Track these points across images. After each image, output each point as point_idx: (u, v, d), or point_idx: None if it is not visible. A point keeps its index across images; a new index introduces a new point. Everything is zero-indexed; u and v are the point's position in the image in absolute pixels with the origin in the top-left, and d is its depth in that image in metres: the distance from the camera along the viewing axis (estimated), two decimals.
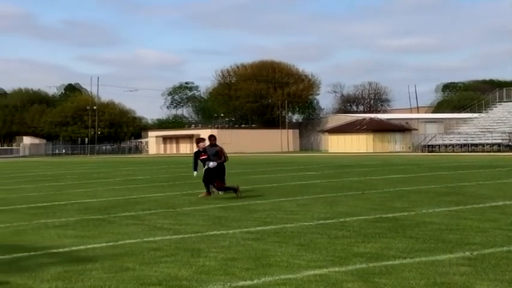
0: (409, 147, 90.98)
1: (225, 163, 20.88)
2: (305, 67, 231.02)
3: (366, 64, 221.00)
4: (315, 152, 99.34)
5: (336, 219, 14.13)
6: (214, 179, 20.20)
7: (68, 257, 10.38)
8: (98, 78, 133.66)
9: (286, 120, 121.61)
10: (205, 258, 9.86)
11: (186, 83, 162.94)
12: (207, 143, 20.98)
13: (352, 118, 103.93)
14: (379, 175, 30.90)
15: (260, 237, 11.84)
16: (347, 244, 10.91)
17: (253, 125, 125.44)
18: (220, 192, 20.64)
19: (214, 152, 20.46)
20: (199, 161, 21.51)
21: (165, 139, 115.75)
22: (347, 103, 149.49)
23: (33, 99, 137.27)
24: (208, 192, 20.49)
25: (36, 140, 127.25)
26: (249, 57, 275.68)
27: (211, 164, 20.22)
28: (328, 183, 26.16)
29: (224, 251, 10.51)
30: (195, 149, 22.09)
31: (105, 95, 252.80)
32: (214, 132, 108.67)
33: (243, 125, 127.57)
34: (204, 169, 20.83)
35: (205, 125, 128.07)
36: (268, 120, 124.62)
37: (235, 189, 20.15)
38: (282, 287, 8.01)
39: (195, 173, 21.80)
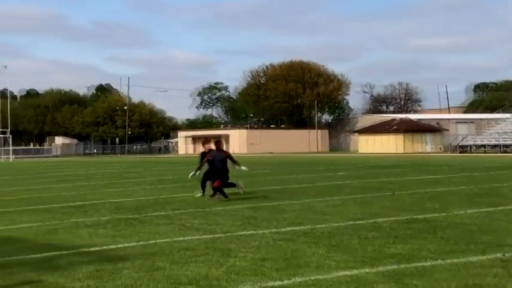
0: (440, 148, 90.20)
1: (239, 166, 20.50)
2: (335, 67, 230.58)
3: (396, 64, 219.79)
4: (344, 152, 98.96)
5: (366, 220, 14.06)
6: (216, 178, 19.66)
7: (100, 256, 10.45)
8: (129, 78, 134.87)
9: (316, 120, 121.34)
10: (235, 258, 9.87)
11: (216, 83, 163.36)
12: (213, 145, 20.62)
13: (383, 118, 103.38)
14: (409, 176, 30.68)
15: (290, 237, 11.82)
16: (378, 245, 10.84)
17: (283, 126, 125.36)
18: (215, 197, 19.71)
19: (221, 158, 19.93)
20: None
21: (195, 139, 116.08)
22: (377, 103, 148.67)
23: (65, 100, 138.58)
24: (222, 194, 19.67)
25: (68, 140, 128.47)
26: (278, 57, 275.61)
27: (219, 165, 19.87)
28: (359, 183, 26.04)
29: (254, 251, 10.50)
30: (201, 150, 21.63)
31: (136, 95, 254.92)
32: (243, 132, 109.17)
33: (272, 126, 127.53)
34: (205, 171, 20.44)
35: (234, 125, 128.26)
36: (298, 120, 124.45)
37: (224, 194, 19.62)
38: (314, 287, 7.98)
39: (192, 174, 20.91)
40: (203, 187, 20.57)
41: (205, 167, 20.55)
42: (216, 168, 19.71)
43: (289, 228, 12.99)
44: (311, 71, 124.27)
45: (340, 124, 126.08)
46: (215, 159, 19.81)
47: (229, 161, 20.15)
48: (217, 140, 20.88)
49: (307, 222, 13.87)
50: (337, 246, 10.77)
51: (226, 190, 19.84)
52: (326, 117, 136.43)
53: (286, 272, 8.84)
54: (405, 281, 8.17)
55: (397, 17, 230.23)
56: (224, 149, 21.10)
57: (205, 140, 21.31)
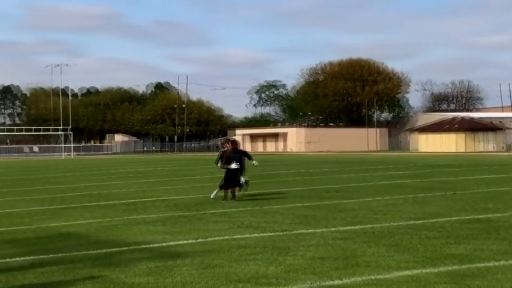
0: (503, 147, 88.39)
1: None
2: (394, 65, 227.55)
3: (456, 62, 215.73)
4: (403, 151, 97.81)
5: (426, 220, 13.91)
6: (235, 179, 19.59)
7: (158, 252, 10.60)
8: (187, 76, 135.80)
9: (375, 118, 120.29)
10: (293, 257, 9.87)
11: (273, 81, 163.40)
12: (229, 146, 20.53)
13: (443, 117, 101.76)
14: (470, 175, 30.19)
15: (349, 236, 11.77)
16: (438, 245, 10.71)
17: (341, 124, 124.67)
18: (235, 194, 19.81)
19: (237, 157, 19.93)
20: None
21: (252, 137, 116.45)
22: (437, 101, 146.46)
23: (124, 98, 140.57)
24: (225, 190, 19.65)
25: (127, 138, 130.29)
26: (336, 55, 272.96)
27: (234, 165, 19.71)
28: (418, 183, 25.75)
29: (312, 249, 10.49)
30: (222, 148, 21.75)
31: (194, 93, 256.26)
32: (301, 130, 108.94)
33: (330, 124, 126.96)
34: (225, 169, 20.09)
35: (291, 123, 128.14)
36: (356, 118, 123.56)
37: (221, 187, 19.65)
38: (373, 287, 7.93)
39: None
40: (221, 187, 19.80)
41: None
42: (231, 169, 19.65)
43: (347, 227, 12.94)
44: (369, 69, 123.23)
45: (399, 122, 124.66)
46: (232, 158, 19.80)
47: (246, 159, 20.38)
48: (233, 140, 21.03)
49: (366, 222, 13.79)
50: (397, 246, 10.68)
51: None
52: (385, 116, 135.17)
53: (345, 271, 8.81)
54: (467, 282, 8.05)
55: (457, 14, 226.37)
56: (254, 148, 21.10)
57: (227, 140, 21.66)
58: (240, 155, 20.19)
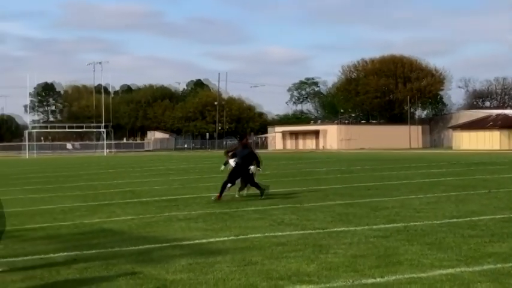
0: None
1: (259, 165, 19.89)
2: (432, 62, 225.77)
3: (496, 59, 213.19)
4: (443, 148, 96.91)
5: (464, 218, 13.78)
6: (238, 177, 19.32)
7: (196, 249, 10.66)
8: (227, 74, 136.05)
9: (414, 116, 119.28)
10: (331, 255, 9.86)
11: (308, 78, 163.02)
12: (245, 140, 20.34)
13: (484, 114, 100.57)
14: (507, 173, 29.83)
15: (384, 235, 11.71)
16: (474, 243, 10.61)
17: (380, 121, 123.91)
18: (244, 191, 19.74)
19: (244, 153, 19.46)
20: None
21: (289, 134, 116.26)
22: (477, 99, 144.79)
23: (159, 95, 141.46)
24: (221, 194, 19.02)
25: (161, 135, 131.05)
26: (374, 52, 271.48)
27: (232, 162, 19.45)
28: (457, 181, 25.51)
29: (350, 247, 10.47)
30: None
31: (232, 90, 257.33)
32: (340, 128, 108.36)
33: (365, 121, 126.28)
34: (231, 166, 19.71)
35: (329, 120, 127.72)
36: (394, 116, 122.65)
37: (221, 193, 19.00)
38: (410, 285, 7.89)
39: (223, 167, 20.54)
40: (222, 189, 19.20)
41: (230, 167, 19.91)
42: (238, 163, 19.42)
43: (382, 226, 12.88)
44: (407, 66, 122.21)
45: (436, 120, 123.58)
46: (239, 155, 19.55)
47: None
48: (242, 136, 20.68)
49: (402, 220, 13.71)
50: (432, 244, 10.61)
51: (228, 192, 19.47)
52: (424, 113, 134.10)
53: (380, 269, 8.77)
54: (503, 281, 7.97)
55: (498, 10, 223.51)
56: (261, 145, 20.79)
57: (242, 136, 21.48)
58: (248, 153, 19.55)
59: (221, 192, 18.89)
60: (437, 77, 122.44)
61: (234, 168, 19.38)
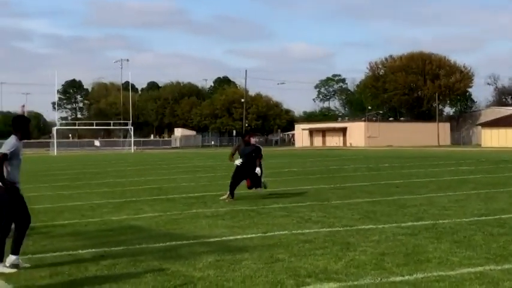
0: None
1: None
2: (458, 59, 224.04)
3: None
4: (471, 146, 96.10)
5: (491, 216, 13.68)
6: (244, 177, 18.70)
7: (220, 246, 10.69)
8: (246, 71, 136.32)
9: (442, 113, 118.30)
10: (356, 252, 9.85)
11: (337, 75, 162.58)
12: (253, 139, 19.41)
13: (509, 111, 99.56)
14: None
15: (412, 232, 11.65)
16: (503, 242, 10.52)
17: (402, 118, 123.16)
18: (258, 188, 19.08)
19: (248, 151, 18.82)
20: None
21: (313, 132, 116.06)
22: (502, 95, 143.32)
23: (184, 92, 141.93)
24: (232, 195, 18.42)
25: (187, 132, 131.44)
26: (399, 49, 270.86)
27: (237, 161, 18.74)
28: (486, 178, 25.28)
29: (375, 245, 10.44)
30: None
31: (256, 87, 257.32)
32: (364, 125, 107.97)
33: (391, 118, 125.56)
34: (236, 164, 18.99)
35: (353, 117, 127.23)
36: (422, 113, 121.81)
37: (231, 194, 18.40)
38: (436, 283, 7.86)
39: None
40: (231, 189, 18.54)
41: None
42: (243, 162, 18.79)
43: (410, 223, 12.82)
44: (433, 62, 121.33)
45: (464, 117, 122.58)
46: (242, 152, 18.97)
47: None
48: (246, 133, 20.07)
49: (430, 217, 13.63)
50: (460, 242, 10.54)
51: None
52: (449, 110, 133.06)
53: (408, 267, 8.74)
54: None
55: None
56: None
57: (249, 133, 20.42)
58: (251, 151, 18.87)
59: (231, 192, 18.41)
60: (465, 74, 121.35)
61: (238, 167, 18.79)
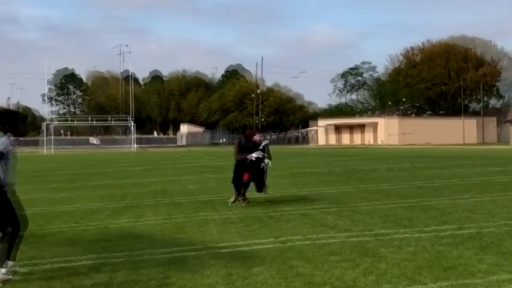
0: None
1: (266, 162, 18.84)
2: (506, 44, 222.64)
3: None
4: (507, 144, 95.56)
5: None
6: (242, 173, 18.49)
7: (230, 256, 10.67)
8: (262, 59, 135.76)
9: (488, 107, 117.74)
10: (385, 264, 9.79)
11: (364, 62, 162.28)
12: (256, 138, 19.05)
13: None
14: None
15: (451, 242, 11.56)
16: None
17: (441, 111, 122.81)
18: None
19: (249, 147, 18.71)
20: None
21: (334, 128, 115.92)
22: None
23: (191, 84, 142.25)
24: (243, 196, 18.47)
25: (195, 128, 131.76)
26: (439, 33, 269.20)
27: (254, 154, 18.48)
28: None
29: (407, 256, 10.37)
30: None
31: (272, 78, 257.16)
32: (392, 120, 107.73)
33: (430, 112, 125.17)
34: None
35: (383, 112, 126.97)
36: (459, 106, 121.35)
37: (244, 197, 18.40)
38: None
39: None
40: (237, 188, 18.58)
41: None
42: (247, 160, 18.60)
43: (449, 232, 12.72)
44: (475, 47, 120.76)
45: (505, 111, 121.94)
46: (241, 149, 18.81)
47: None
48: (249, 129, 20.12)
49: (472, 225, 13.53)
50: (508, 254, 10.43)
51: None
52: (494, 103, 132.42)
53: (447, 282, 8.66)
54: None
55: None
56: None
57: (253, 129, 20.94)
58: (251, 146, 18.75)
59: (238, 193, 18.39)
60: (507, 61, 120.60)
61: (237, 165, 18.68)
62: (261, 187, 18.93)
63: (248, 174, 18.52)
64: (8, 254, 9.34)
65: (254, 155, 18.59)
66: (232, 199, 18.42)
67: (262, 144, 18.95)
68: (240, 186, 18.49)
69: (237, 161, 18.79)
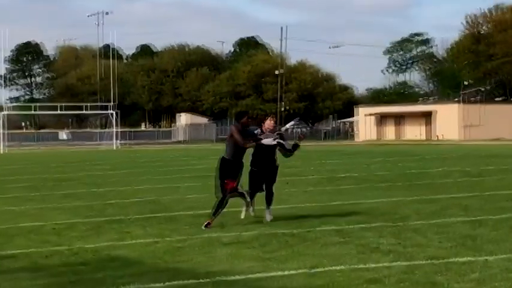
0: None
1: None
2: None
3: None
4: None
5: None
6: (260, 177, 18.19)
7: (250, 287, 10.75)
8: (286, 28, 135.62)
9: None
10: None
11: (416, 34, 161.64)
12: (267, 124, 18.72)
13: None
14: None
15: None
16: None
17: None
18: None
19: (250, 134, 18.20)
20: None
21: (384, 118, 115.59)
22: None
23: (193, 61, 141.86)
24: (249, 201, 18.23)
25: (197, 119, 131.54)
26: None
27: (269, 140, 17.99)
28: None
29: (474, 286, 10.44)
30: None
31: (298, 53, 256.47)
32: (454, 108, 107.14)
33: (502, 98, 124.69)
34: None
35: (442, 97, 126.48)
36: None
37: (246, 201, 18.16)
38: None
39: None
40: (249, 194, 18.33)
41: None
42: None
43: None
44: None
45: None
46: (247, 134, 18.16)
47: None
48: (240, 114, 19.25)
49: None
50: None
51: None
52: None
53: None
54: None
55: None
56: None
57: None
58: (251, 134, 18.37)
59: (247, 197, 18.16)
60: None
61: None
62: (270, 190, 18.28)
63: (232, 181, 17.92)
64: None
65: (272, 140, 18.07)
66: (243, 209, 18.22)
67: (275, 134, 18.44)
68: (254, 189, 18.21)
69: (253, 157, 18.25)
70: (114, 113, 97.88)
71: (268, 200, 18.25)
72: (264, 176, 18.24)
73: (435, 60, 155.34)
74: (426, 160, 46.89)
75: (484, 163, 41.25)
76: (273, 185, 18.36)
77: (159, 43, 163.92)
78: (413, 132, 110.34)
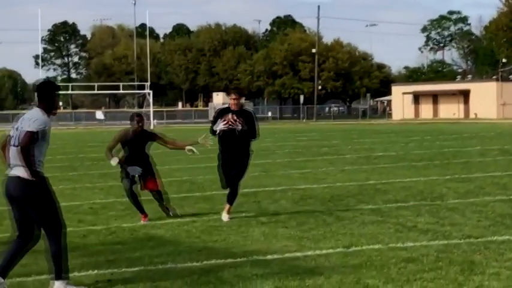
0: None
1: None
2: None
3: None
4: None
5: None
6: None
7: (286, 266, 10.78)
8: (319, 7, 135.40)
9: None
10: (482, 276, 9.81)
11: (452, 12, 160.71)
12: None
13: None
14: None
15: None
16: None
17: None
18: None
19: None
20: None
21: (420, 97, 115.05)
22: None
23: (229, 40, 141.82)
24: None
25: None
26: None
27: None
28: None
29: (510, 265, 10.38)
30: None
31: (334, 32, 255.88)
32: (491, 86, 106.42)
33: None
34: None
35: (479, 75, 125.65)
36: None
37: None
38: None
39: None
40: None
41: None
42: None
43: None
44: None
45: None
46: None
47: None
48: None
49: None
50: None
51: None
52: None
53: None
54: None
55: None
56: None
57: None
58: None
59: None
60: None
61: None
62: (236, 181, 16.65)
63: (153, 181, 17.08)
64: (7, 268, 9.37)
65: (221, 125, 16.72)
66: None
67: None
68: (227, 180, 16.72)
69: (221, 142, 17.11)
70: (150, 92, 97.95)
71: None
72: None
73: (472, 37, 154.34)
74: (463, 138, 46.65)
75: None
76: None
77: (194, 23, 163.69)
78: (450, 110, 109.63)
